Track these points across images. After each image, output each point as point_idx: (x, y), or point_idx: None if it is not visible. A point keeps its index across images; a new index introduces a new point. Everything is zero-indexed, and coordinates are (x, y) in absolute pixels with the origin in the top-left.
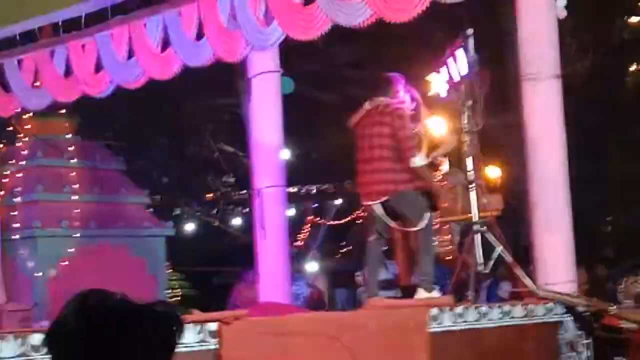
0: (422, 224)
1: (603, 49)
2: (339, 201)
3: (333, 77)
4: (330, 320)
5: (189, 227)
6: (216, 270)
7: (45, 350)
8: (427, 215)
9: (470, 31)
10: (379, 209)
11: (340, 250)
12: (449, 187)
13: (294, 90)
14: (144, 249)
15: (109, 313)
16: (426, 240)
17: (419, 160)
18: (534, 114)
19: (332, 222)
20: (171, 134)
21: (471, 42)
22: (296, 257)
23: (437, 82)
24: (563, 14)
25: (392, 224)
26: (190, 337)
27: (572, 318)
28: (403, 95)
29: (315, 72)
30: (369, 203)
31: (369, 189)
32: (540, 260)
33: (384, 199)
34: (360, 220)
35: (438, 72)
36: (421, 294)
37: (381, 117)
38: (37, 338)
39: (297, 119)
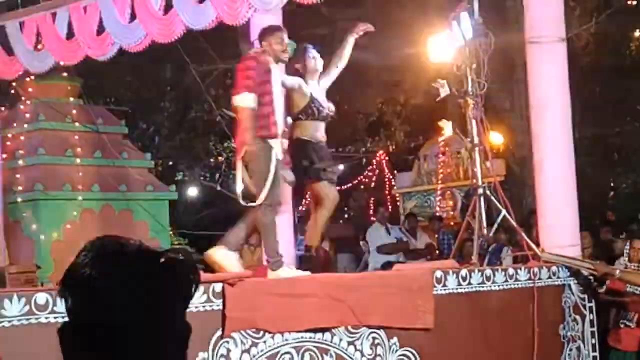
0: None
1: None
2: (340, 167)
3: (336, 42)
4: (335, 282)
5: (192, 191)
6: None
7: (53, 306)
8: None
9: None
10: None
11: (344, 216)
12: (452, 152)
13: None
14: (146, 212)
15: (126, 259)
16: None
17: (240, 99)
18: (539, 78)
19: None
20: (174, 98)
21: (476, 5)
22: (300, 221)
23: (441, 45)
24: None
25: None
26: (195, 298)
27: (576, 281)
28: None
29: (318, 36)
30: None
31: None
32: (545, 224)
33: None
34: (362, 186)
35: (442, 35)
36: (270, 274)
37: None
38: (42, 297)
39: None
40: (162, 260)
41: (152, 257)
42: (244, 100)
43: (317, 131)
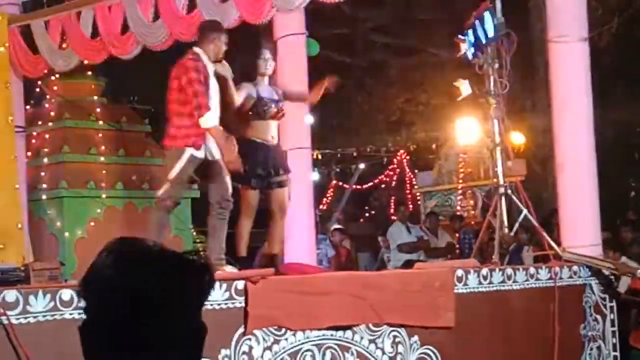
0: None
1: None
2: (361, 165)
3: (358, 41)
4: (356, 280)
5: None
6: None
7: (77, 302)
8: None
9: None
10: None
11: (365, 214)
12: (472, 151)
13: (319, 53)
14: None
15: (145, 260)
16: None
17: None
18: (561, 77)
19: (355, 187)
20: None
21: (498, 4)
22: (320, 220)
23: (464, 45)
24: None
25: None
26: (217, 295)
27: (597, 281)
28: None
29: (340, 36)
30: None
31: None
32: (566, 223)
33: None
34: (383, 185)
35: (465, 34)
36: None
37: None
38: (67, 293)
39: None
40: (180, 261)
41: (170, 259)
42: (208, 121)
43: (265, 132)
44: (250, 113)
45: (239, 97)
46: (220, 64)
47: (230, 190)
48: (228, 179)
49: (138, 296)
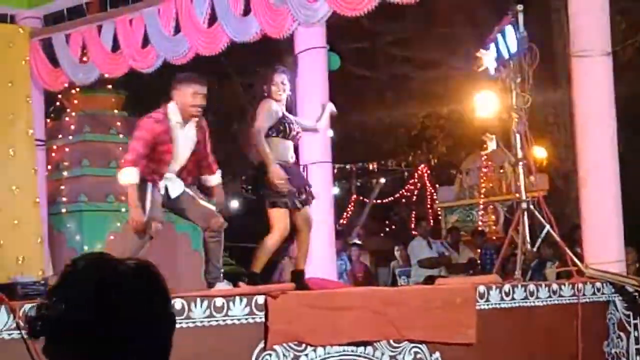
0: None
1: None
2: (382, 180)
3: (378, 55)
4: (377, 295)
5: (234, 203)
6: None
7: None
8: None
9: (520, 7)
10: None
11: (385, 229)
12: (494, 166)
13: (340, 67)
14: (188, 223)
15: (102, 274)
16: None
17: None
18: (583, 92)
19: (375, 201)
20: (216, 111)
21: (521, 18)
22: (341, 234)
23: (486, 59)
24: None
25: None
26: (238, 310)
27: (620, 298)
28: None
29: (361, 49)
30: None
31: None
32: (589, 239)
33: None
34: (404, 200)
35: (486, 48)
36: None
37: None
38: None
39: (342, 95)
40: (129, 272)
41: (118, 269)
42: (123, 177)
43: (283, 154)
44: (270, 132)
45: (262, 117)
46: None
47: (209, 211)
48: (203, 203)
49: (104, 301)
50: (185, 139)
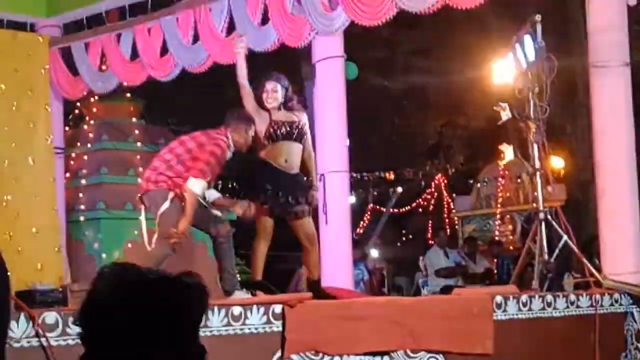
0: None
1: None
2: (399, 189)
3: (396, 64)
4: (394, 305)
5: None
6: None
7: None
8: None
9: (538, 17)
10: None
11: (402, 238)
12: (511, 176)
13: (358, 76)
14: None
15: (141, 287)
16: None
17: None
18: (602, 103)
19: (392, 210)
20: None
21: (539, 28)
22: (357, 243)
23: (504, 69)
24: (633, 1)
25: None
26: (255, 319)
27: (638, 309)
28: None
29: (379, 59)
30: None
31: None
32: (607, 249)
33: None
34: (421, 209)
35: (504, 58)
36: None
37: None
38: None
39: (360, 105)
40: (175, 285)
41: (165, 284)
42: (195, 186)
43: (277, 156)
44: (264, 136)
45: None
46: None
47: (216, 218)
48: (212, 211)
49: (135, 323)
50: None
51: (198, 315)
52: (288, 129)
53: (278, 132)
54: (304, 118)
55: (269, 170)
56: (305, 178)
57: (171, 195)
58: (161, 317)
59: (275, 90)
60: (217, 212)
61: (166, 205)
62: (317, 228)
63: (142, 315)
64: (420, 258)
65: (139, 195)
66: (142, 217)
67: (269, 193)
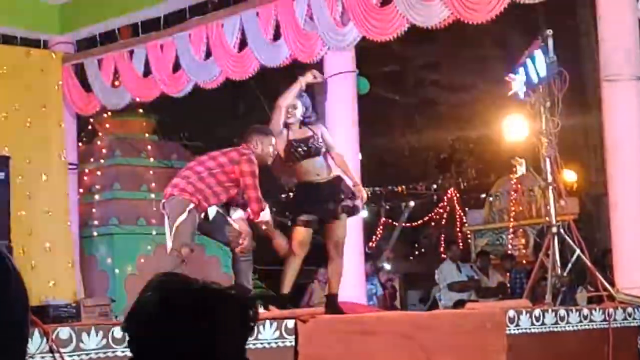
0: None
1: None
2: (411, 203)
3: (408, 79)
4: (406, 320)
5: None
6: None
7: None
8: None
9: (549, 32)
10: None
11: (415, 253)
12: (524, 190)
13: (369, 91)
14: (218, 246)
15: (189, 297)
16: None
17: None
18: (614, 117)
19: (405, 224)
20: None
21: (550, 43)
22: (370, 257)
23: (515, 83)
24: None
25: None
26: (267, 334)
27: None
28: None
29: (390, 73)
30: None
31: None
32: (619, 263)
33: None
34: (433, 223)
35: (516, 72)
36: None
37: None
38: (118, 330)
39: (371, 119)
40: (223, 296)
41: (213, 294)
42: (265, 215)
43: (307, 172)
44: (284, 157)
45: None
46: None
47: (238, 231)
48: (234, 225)
49: (184, 334)
50: None
51: (242, 327)
52: (305, 148)
53: (296, 153)
54: (319, 130)
55: (309, 187)
56: (342, 181)
57: (191, 206)
58: (201, 327)
59: (295, 107)
60: (236, 225)
61: (184, 216)
62: None
63: (182, 324)
64: (436, 272)
65: (162, 201)
66: (166, 225)
67: (316, 206)
